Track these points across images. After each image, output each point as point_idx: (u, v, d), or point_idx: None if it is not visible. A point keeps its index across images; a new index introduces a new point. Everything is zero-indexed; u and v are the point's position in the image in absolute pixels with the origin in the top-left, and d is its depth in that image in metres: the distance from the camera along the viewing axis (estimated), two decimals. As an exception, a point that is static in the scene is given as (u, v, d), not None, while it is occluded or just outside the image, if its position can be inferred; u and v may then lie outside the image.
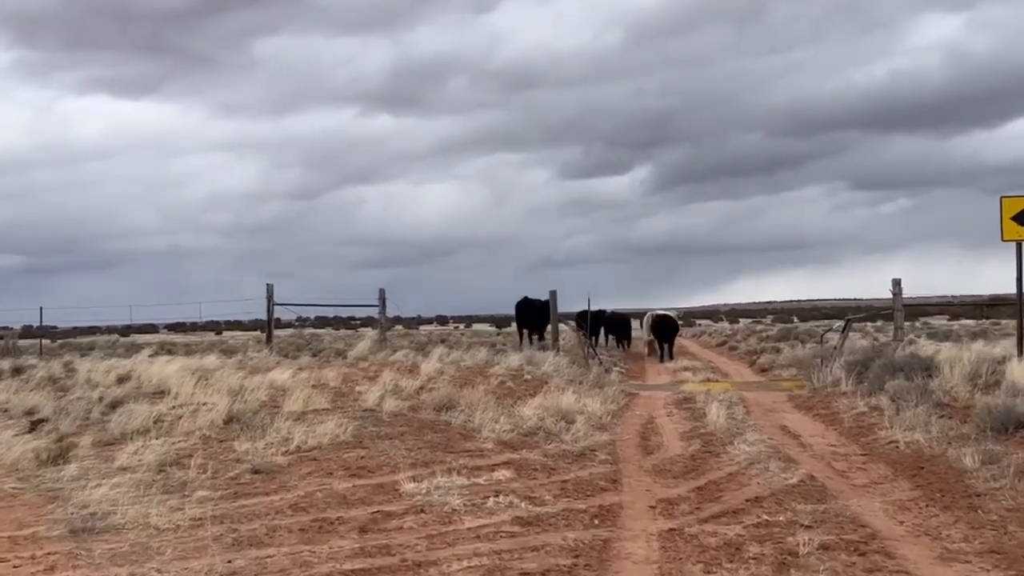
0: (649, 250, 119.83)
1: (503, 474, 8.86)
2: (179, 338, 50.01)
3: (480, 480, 8.61)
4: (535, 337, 28.27)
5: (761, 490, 8.68)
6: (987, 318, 55.40)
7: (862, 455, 10.80)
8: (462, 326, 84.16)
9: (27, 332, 62.21)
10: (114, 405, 13.28)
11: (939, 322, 55.43)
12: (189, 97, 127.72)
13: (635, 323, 37.70)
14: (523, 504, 7.84)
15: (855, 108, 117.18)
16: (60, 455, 9.97)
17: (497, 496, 8.00)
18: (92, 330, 56.01)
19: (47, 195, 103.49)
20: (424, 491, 8.12)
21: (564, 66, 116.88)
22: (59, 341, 40.45)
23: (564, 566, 6.27)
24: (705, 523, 7.54)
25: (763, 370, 24.61)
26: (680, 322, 36.73)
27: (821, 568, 6.23)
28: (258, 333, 50.56)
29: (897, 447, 10.83)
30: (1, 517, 7.71)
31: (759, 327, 53.11)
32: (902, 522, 7.59)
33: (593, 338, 31.42)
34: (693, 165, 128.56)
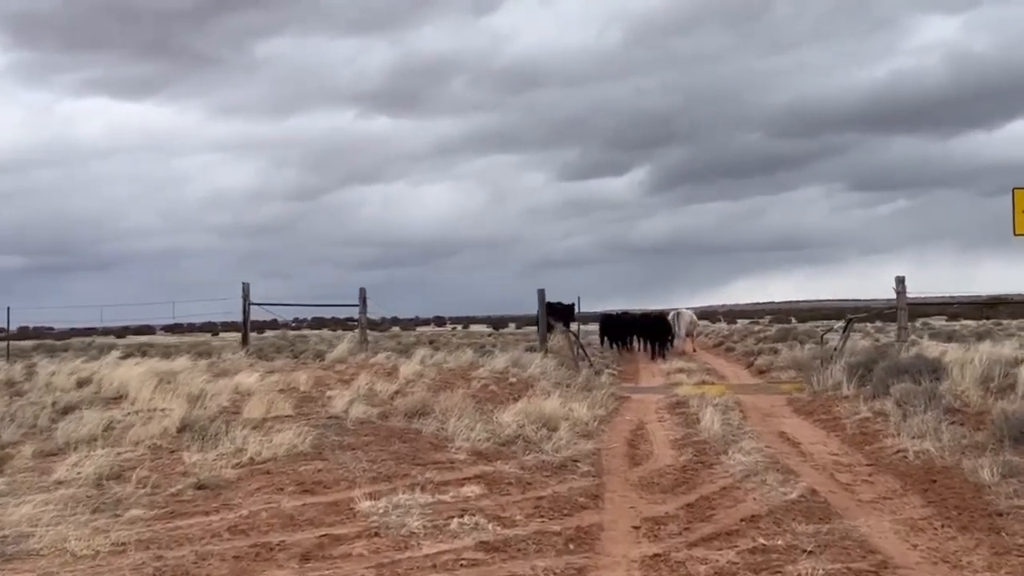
0: (648, 251, 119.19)
1: (472, 490, 8.00)
2: (163, 339, 49.08)
3: (446, 497, 7.75)
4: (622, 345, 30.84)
5: (758, 507, 7.83)
6: (988, 318, 54.63)
7: (868, 465, 9.95)
8: (459, 327, 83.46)
9: (23, 333, 61.63)
10: (66, 411, 12.47)
11: (939, 322, 54.58)
12: (190, 98, 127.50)
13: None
14: (491, 526, 6.97)
15: (856, 108, 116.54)
16: (-9, 467, 9.13)
17: (462, 516, 7.14)
18: (89, 331, 55.21)
19: (47, 196, 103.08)
20: (381, 510, 7.26)
21: (564, 66, 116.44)
22: (33, 342, 39.53)
23: (529, 603, 5.42)
24: (694, 547, 6.68)
25: (761, 372, 23.73)
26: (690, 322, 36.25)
27: (827, 605, 5.38)
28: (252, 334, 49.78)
29: (905, 457, 9.98)
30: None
31: (757, 327, 52.25)
32: (916, 546, 6.74)
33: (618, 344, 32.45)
34: (693, 165, 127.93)
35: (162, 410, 11.86)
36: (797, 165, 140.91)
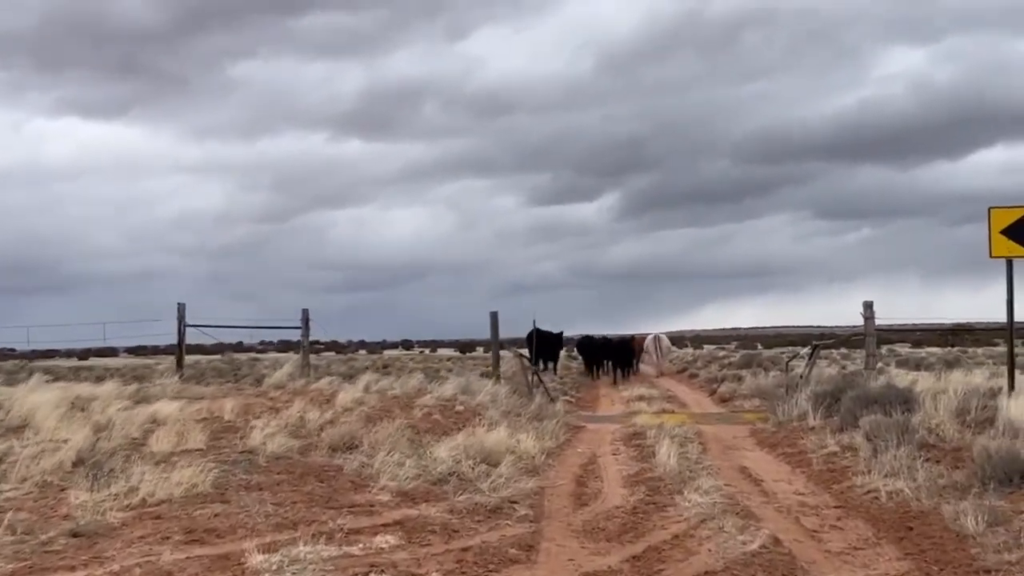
0: (616, 276, 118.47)
1: (387, 540, 6.96)
2: (112, 362, 47.55)
3: (355, 549, 6.70)
4: (550, 365, 31.59)
5: (713, 561, 6.85)
6: (952, 345, 54.24)
7: (836, 507, 9.03)
8: (427, 351, 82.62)
9: None
10: (-42, 442, 11.30)
11: (905, 349, 54.10)
12: (160, 119, 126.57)
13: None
14: (400, 586, 5.96)
15: (822, 137, 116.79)
16: None
17: (369, 574, 6.11)
18: (51, 353, 53.75)
19: (13, 216, 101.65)
20: (275, 566, 6.21)
21: (536, 93, 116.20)
22: None
23: None
24: (637, 613, 5.69)
25: (724, 400, 22.83)
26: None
27: None
28: (217, 357, 48.48)
29: (877, 498, 9.08)
30: None
31: (722, 353, 51.51)
32: (894, 611, 5.79)
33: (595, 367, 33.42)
34: (661, 192, 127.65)
35: (64, 441, 10.76)
36: (764, 193, 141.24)
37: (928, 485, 8.96)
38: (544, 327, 33.33)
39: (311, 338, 19.10)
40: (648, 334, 38.00)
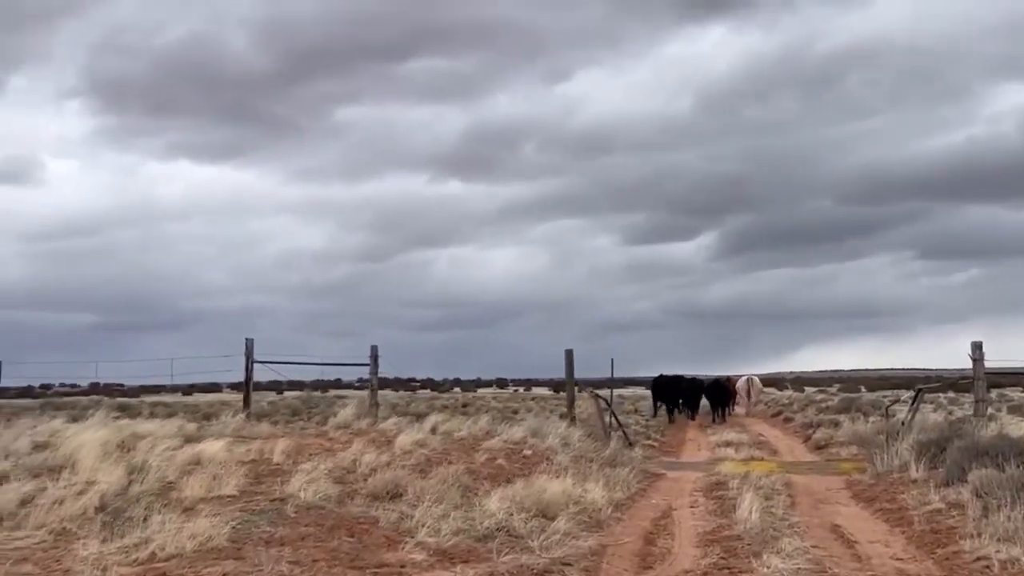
0: (713, 316, 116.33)
1: (408, 609, 6.04)
2: (209, 397, 47.71)
3: (368, 620, 5.81)
4: (674, 410, 32.57)
5: (789, 646, 5.75)
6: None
7: (941, 579, 7.82)
8: (521, 389, 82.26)
9: (93, 389, 61.65)
10: (-5, 482, 10.80)
11: (1017, 394, 51.16)
12: (267, 162, 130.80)
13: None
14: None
15: (927, 176, 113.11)
16: None
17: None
18: (158, 388, 54.84)
19: (126, 256, 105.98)
20: (269, 641, 5.35)
21: (633, 132, 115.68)
22: (42, 400, 38.43)
23: None
24: None
25: (819, 447, 21.36)
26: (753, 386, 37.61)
27: None
28: (325, 393, 48.42)
29: (988, 567, 7.86)
30: None
31: (820, 396, 49.33)
32: None
33: (674, 408, 33.13)
34: (761, 231, 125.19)
35: (96, 483, 10.15)
36: (867, 232, 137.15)
37: (1050, 555, 7.70)
38: (666, 372, 34.42)
39: (379, 374, 18.40)
40: (742, 375, 37.69)
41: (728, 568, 8.08)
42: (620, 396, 48.24)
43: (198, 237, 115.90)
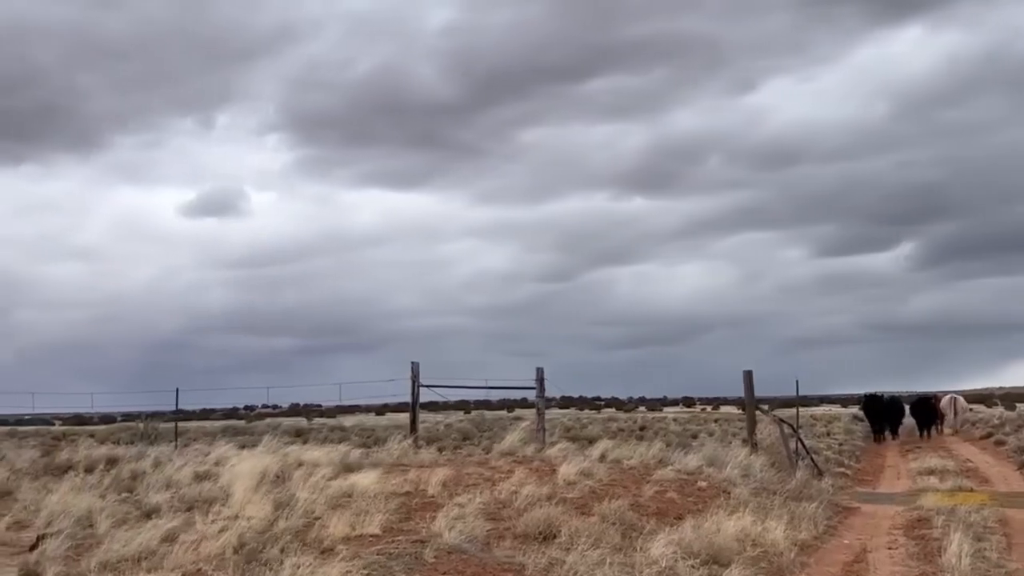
0: (914, 329, 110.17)
1: None
2: (378, 420, 48.27)
3: None
4: (888, 430, 32.72)
5: None
6: None
7: None
8: (708, 408, 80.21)
9: (293, 409, 64.39)
10: (149, 514, 10.64)
11: None
12: (454, 187, 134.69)
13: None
14: None
15: None
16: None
17: None
18: (352, 408, 56.62)
19: (324, 281, 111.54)
20: None
21: (823, 141, 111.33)
22: (223, 423, 39.49)
23: None
24: None
25: (1037, 475, 19.20)
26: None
27: None
28: (510, 413, 48.39)
29: None
30: None
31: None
32: None
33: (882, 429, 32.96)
34: (965, 240, 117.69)
35: (249, 518, 9.79)
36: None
37: None
38: (866, 391, 34.74)
39: (547, 395, 17.61)
40: (946, 393, 36.14)
41: (934, 632, 6.83)
42: (812, 417, 45.88)
43: (389, 262, 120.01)
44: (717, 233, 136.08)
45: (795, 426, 18.47)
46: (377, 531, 8.79)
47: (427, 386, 17.87)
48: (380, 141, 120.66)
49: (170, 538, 9.07)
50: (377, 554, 7.75)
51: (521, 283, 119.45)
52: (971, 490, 16.29)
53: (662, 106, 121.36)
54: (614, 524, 9.33)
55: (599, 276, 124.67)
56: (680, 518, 10.73)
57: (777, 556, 9.34)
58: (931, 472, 19.15)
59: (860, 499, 15.27)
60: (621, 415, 49.97)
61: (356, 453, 16.04)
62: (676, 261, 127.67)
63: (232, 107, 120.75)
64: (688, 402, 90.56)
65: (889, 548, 10.66)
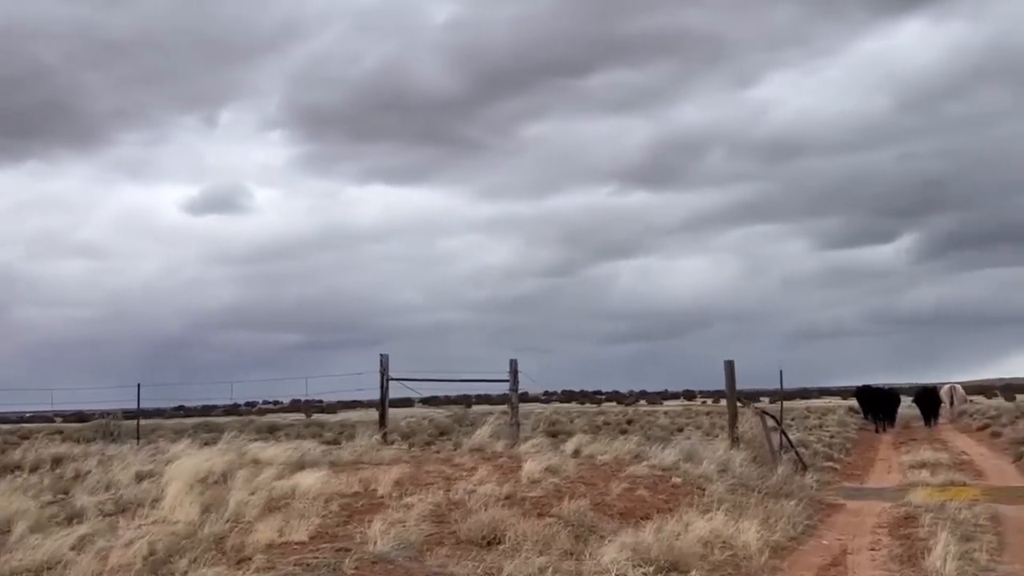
0: (916, 321, 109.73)
1: None
2: (356, 415, 47.40)
3: None
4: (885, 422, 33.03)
5: None
6: None
7: None
8: (709, 401, 79.76)
9: (294, 405, 63.64)
10: (71, 519, 9.86)
11: None
12: (457, 182, 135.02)
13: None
14: None
15: None
16: None
17: None
18: (354, 404, 55.90)
19: (328, 276, 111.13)
20: None
21: (826, 134, 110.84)
22: (194, 420, 38.67)
23: None
24: None
25: (1034, 468, 18.45)
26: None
27: None
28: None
29: None
30: None
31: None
32: None
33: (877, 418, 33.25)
34: (966, 232, 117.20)
35: (175, 522, 9.04)
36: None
37: None
38: (864, 382, 35.17)
39: (519, 390, 16.82)
40: (945, 384, 38.31)
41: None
42: (807, 409, 45.09)
43: (393, 257, 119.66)
44: (720, 227, 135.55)
45: (778, 418, 17.69)
46: (304, 538, 8.00)
47: (397, 379, 17.07)
48: (383, 137, 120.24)
49: (81, 546, 8.30)
50: (294, 565, 6.97)
51: (524, 278, 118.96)
52: (964, 484, 15.54)
53: (665, 100, 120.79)
54: (570, 526, 8.56)
55: (602, 270, 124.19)
56: (647, 518, 9.96)
57: (747, 560, 8.57)
58: (923, 465, 18.39)
59: (846, 495, 14.52)
60: (614, 409, 49.11)
61: (318, 451, 15.23)
62: (679, 255, 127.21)
63: (235, 104, 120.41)
64: (689, 395, 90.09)
65: (871, 549, 9.90)
